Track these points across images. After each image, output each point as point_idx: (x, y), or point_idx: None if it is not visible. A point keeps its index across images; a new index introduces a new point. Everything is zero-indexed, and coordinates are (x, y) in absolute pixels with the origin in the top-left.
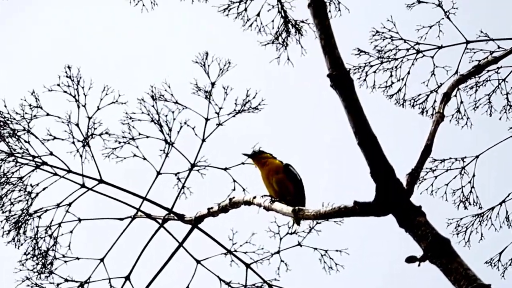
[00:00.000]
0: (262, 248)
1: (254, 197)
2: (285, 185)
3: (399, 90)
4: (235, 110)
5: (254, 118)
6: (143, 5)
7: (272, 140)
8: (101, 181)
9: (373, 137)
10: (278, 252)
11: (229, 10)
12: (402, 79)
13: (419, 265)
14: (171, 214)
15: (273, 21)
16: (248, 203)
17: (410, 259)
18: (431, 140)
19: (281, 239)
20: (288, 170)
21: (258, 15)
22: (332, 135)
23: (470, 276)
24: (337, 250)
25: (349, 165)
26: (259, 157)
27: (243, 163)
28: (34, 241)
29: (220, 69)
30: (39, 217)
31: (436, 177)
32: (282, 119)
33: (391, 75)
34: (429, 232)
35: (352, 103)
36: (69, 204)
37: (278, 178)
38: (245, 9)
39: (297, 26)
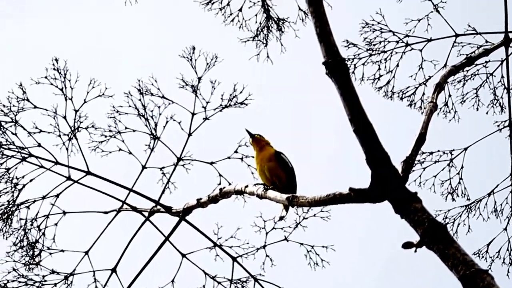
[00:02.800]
0: (248, 243)
1: (246, 186)
2: (276, 172)
3: (388, 82)
4: (221, 105)
5: (246, 110)
6: None
7: (265, 130)
8: (88, 172)
9: (369, 124)
10: (264, 246)
11: (212, 4)
12: (391, 72)
13: (415, 251)
14: (158, 206)
15: (256, 15)
16: (240, 192)
17: (407, 245)
18: (425, 128)
19: (267, 233)
20: (280, 157)
21: (240, 10)
22: (327, 124)
23: (467, 261)
24: (323, 246)
25: (344, 153)
26: (258, 139)
27: (229, 157)
28: (23, 232)
29: (207, 64)
30: (28, 207)
31: (424, 169)
32: (276, 110)
33: (379, 68)
34: (425, 217)
35: (348, 90)
36: (57, 196)
37: (270, 165)
38: (228, 3)
39: (278, 23)
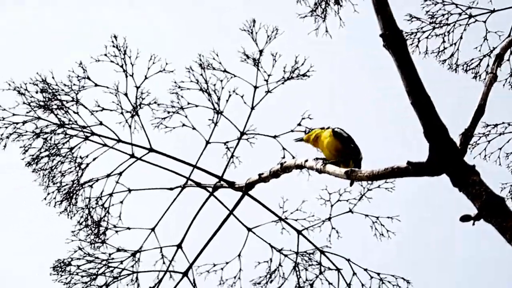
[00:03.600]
0: (313, 215)
1: (306, 161)
2: (334, 145)
3: (452, 55)
4: (283, 77)
5: (304, 84)
6: None
7: (322, 105)
8: (151, 149)
9: (427, 96)
10: (329, 218)
11: None
12: (455, 44)
13: (473, 223)
14: (221, 182)
15: None
16: (300, 167)
17: (465, 218)
18: (484, 100)
19: (332, 206)
20: (335, 132)
21: None
22: (386, 97)
23: None
24: (388, 217)
25: (402, 127)
26: (308, 137)
27: (292, 131)
28: (87, 210)
29: (268, 36)
30: (91, 186)
31: (489, 141)
32: (333, 84)
33: (443, 41)
34: (483, 190)
35: (406, 62)
36: (120, 174)
37: (328, 141)
38: None
39: None
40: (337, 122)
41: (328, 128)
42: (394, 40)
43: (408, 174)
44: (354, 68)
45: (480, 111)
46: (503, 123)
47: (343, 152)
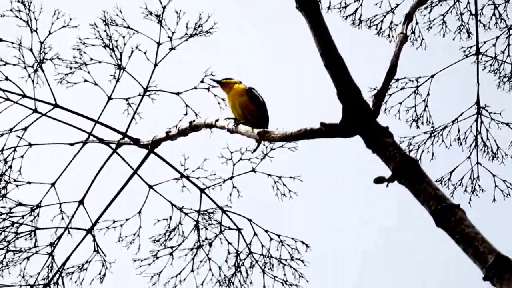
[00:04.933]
0: (215, 174)
1: (217, 120)
2: (248, 107)
3: (355, 11)
4: (186, 34)
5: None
6: None
7: (229, 64)
8: (56, 105)
9: (340, 58)
10: (231, 178)
11: None
12: (358, 0)
13: (387, 185)
14: (125, 138)
15: None
16: (210, 126)
17: (379, 180)
18: (396, 61)
19: (234, 165)
20: (251, 93)
21: None
22: (299, 58)
23: (439, 196)
24: (290, 177)
25: (316, 88)
26: (226, 83)
27: (195, 88)
28: None
29: None
30: None
31: (390, 95)
32: (244, 43)
33: None
34: (397, 152)
35: (318, 24)
36: (24, 129)
37: (241, 100)
38: None
39: None
40: (251, 80)
41: (241, 83)
42: (306, 2)
43: (321, 135)
44: (265, 27)
45: (391, 72)
46: (404, 78)
47: (256, 116)
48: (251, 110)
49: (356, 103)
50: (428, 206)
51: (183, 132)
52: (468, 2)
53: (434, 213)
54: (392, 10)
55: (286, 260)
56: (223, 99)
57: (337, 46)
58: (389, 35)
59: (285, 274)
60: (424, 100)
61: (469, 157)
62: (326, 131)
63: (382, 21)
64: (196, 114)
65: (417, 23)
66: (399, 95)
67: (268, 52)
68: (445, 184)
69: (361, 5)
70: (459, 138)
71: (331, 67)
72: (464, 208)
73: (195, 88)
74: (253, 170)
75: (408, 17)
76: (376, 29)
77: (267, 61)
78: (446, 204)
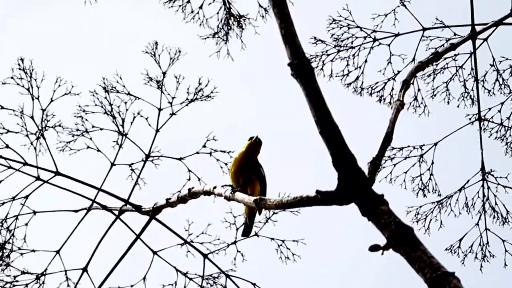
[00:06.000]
0: (219, 239)
1: (215, 187)
2: (253, 183)
3: (357, 78)
4: (187, 99)
5: (209, 109)
6: None
7: (228, 129)
8: (57, 173)
9: (335, 126)
10: (234, 242)
11: (173, 2)
12: (360, 68)
13: (382, 253)
14: (128, 205)
15: (218, 13)
16: (208, 193)
17: (374, 248)
18: (392, 128)
19: (237, 229)
20: (259, 171)
21: (201, 7)
22: (293, 125)
23: (434, 264)
24: (294, 240)
25: (310, 155)
26: (254, 146)
27: (197, 153)
28: None
29: (171, 58)
30: None
31: (395, 165)
32: (240, 109)
33: (348, 64)
34: (392, 220)
35: (314, 92)
36: (26, 197)
37: (248, 176)
38: (188, 1)
39: (239, 20)
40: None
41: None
42: (302, 70)
43: (317, 203)
44: (262, 93)
45: (387, 139)
46: (408, 146)
47: (254, 194)
48: (254, 186)
49: (351, 171)
50: (423, 274)
51: (182, 200)
52: (472, 69)
53: (429, 281)
54: (393, 77)
55: None
56: (226, 164)
57: (334, 113)
58: (390, 102)
59: None
60: (429, 169)
61: (477, 224)
62: (322, 199)
63: (383, 88)
64: (199, 179)
65: (419, 90)
66: (403, 164)
67: (264, 116)
68: (455, 252)
69: (362, 72)
70: (467, 205)
71: (325, 135)
72: (476, 275)
73: (197, 153)
74: (256, 234)
75: (405, 84)
76: (378, 96)
77: (263, 125)
78: (441, 272)
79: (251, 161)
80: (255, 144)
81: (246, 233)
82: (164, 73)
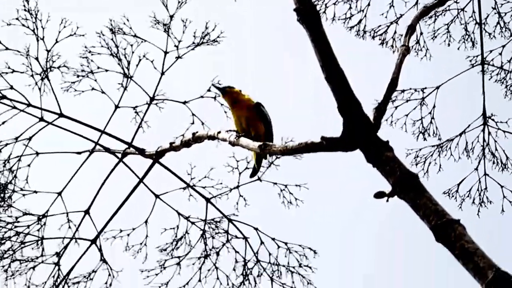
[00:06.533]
0: (221, 183)
1: (219, 132)
2: (255, 124)
3: (359, 21)
4: (194, 43)
5: (216, 53)
6: None
7: (234, 75)
8: (61, 114)
9: (340, 71)
10: (237, 187)
11: None
12: (362, 11)
13: (387, 200)
14: (131, 148)
15: None
16: (212, 137)
17: (379, 195)
18: (397, 73)
19: (240, 173)
20: (259, 109)
21: None
22: (299, 71)
23: (439, 211)
24: (296, 185)
25: (317, 101)
26: (230, 92)
27: (202, 97)
28: None
29: (179, 2)
30: None
31: (396, 107)
32: (246, 55)
33: (350, 7)
34: (397, 167)
35: (319, 37)
36: (29, 138)
37: (248, 116)
38: None
39: None
40: (252, 92)
41: (241, 91)
42: (308, 15)
43: (322, 149)
44: (268, 38)
45: (393, 85)
46: (410, 89)
47: (261, 133)
48: (258, 128)
49: (357, 116)
50: (428, 221)
51: (186, 144)
52: (473, 11)
53: (434, 229)
54: (396, 21)
55: (294, 267)
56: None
57: (339, 58)
58: (392, 46)
59: (293, 282)
60: (430, 113)
61: (476, 169)
62: (327, 145)
63: (386, 32)
64: (203, 123)
65: (421, 34)
66: (405, 107)
67: (269, 63)
68: (452, 196)
69: (365, 16)
70: (466, 150)
71: (331, 80)
72: (472, 220)
73: (202, 97)
74: (259, 178)
75: (411, 29)
76: (380, 39)
77: (268, 72)
78: (446, 219)
79: (243, 108)
80: (224, 95)
81: (255, 175)
82: (171, 17)
